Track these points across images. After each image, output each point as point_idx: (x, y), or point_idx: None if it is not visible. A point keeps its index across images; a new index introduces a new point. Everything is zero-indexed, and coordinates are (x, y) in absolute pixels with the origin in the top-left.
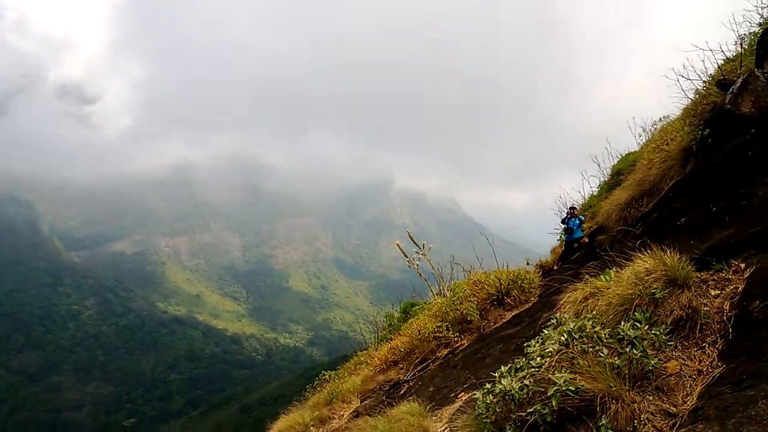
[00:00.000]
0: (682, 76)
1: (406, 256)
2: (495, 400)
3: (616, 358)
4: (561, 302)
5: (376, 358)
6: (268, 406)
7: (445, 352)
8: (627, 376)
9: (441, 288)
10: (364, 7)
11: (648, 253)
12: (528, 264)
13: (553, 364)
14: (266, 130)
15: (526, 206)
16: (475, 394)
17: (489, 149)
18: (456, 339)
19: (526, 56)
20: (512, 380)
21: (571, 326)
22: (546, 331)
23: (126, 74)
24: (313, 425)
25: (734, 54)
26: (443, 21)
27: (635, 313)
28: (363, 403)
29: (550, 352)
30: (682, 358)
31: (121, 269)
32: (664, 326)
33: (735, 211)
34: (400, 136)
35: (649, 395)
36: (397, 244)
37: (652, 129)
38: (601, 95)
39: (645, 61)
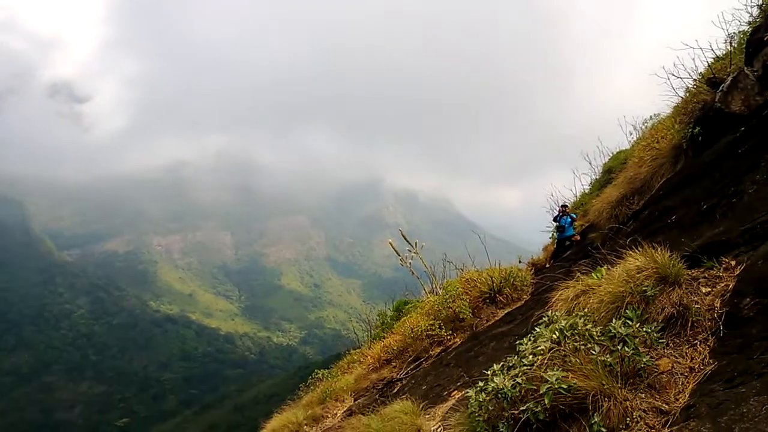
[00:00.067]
0: (673, 75)
1: (399, 255)
2: (488, 398)
3: (608, 355)
4: (553, 300)
5: (369, 357)
6: (261, 405)
7: (438, 351)
8: (619, 374)
9: (434, 286)
10: (357, 7)
11: (639, 250)
12: (520, 262)
13: (545, 362)
14: (258, 129)
15: (518, 204)
16: (468, 392)
17: (482, 148)
18: (449, 337)
19: (520, 56)
20: (505, 378)
21: (563, 324)
22: (538, 329)
23: (118, 73)
24: (306, 424)
25: (724, 52)
26: (437, 21)
27: (627, 311)
28: (356, 402)
29: (542, 350)
30: (674, 356)
31: (113, 268)
32: (655, 324)
33: (725, 208)
34: (393, 134)
35: (641, 393)
36: (390, 243)
37: (643, 127)
38: (593, 94)
39: (636, 60)
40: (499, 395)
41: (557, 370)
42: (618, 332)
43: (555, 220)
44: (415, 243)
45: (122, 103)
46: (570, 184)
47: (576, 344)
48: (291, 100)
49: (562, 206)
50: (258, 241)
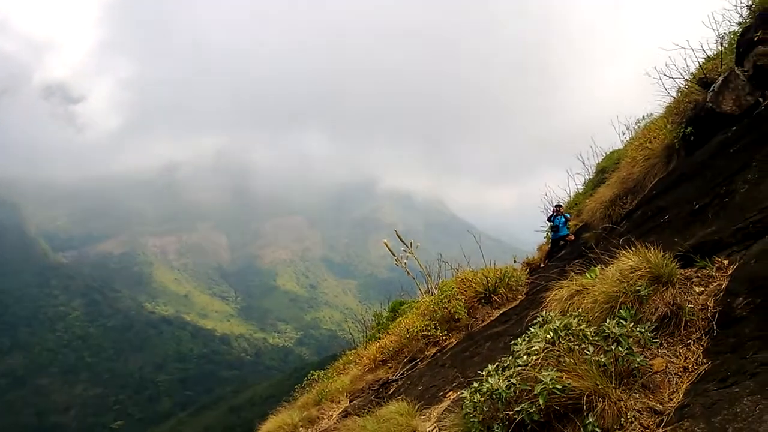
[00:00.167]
0: (665, 75)
1: (394, 255)
2: (482, 399)
3: (602, 355)
4: (547, 300)
5: (364, 358)
6: (257, 406)
7: (434, 351)
8: (613, 374)
9: (429, 286)
10: (351, 8)
11: (632, 250)
12: (515, 262)
13: (539, 362)
14: (253, 130)
15: (513, 204)
16: (463, 393)
17: (476, 148)
18: (444, 337)
19: (514, 56)
20: (499, 379)
21: (557, 324)
22: (532, 329)
23: (112, 74)
24: (302, 426)
25: (715, 52)
26: (431, 22)
27: (620, 311)
28: (352, 403)
29: (536, 350)
30: (668, 356)
31: (108, 270)
32: (649, 323)
33: (718, 208)
34: (388, 135)
35: (636, 393)
36: (385, 243)
37: (636, 127)
38: (587, 94)
39: (630, 60)
40: (494, 396)
41: (552, 370)
42: (612, 332)
43: (549, 219)
44: (410, 243)
45: (117, 104)
46: (564, 183)
47: (570, 344)
48: (286, 101)
49: (556, 206)
50: (253, 242)
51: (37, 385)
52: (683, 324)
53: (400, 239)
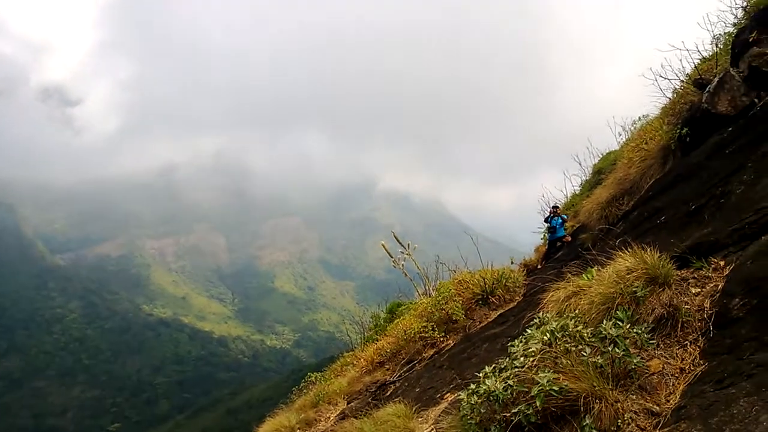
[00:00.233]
0: (660, 76)
1: (392, 257)
2: (479, 400)
3: (598, 357)
4: (544, 301)
5: (362, 359)
6: (254, 408)
7: (431, 353)
8: (610, 375)
9: (426, 288)
10: (351, 8)
11: (629, 251)
12: (512, 263)
13: (536, 363)
14: (250, 131)
15: (510, 206)
16: (460, 394)
17: (474, 149)
18: (442, 339)
19: (515, 55)
20: (496, 380)
21: (554, 325)
22: (529, 331)
23: (109, 76)
24: (299, 428)
25: (710, 54)
26: (431, 22)
27: (617, 312)
28: (349, 405)
29: (533, 351)
30: (665, 357)
31: (105, 272)
32: (645, 325)
33: (714, 209)
34: (386, 136)
35: (632, 394)
36: (383, 245)
37: (632, 128)
38: (587, 94)
39: (629, 61)
40: (491, 398)
41: (548, 372)
42: (609, 333)
43: (546, 221)
44: (408, 245)
45: (114, 106)
46: (561, 185)
47: (567, 346)
48: (285, 102)
49: (553, 207)
50: (251, 244)
51: (34, 387)
52: (680, 325)
53: (398, 241)
